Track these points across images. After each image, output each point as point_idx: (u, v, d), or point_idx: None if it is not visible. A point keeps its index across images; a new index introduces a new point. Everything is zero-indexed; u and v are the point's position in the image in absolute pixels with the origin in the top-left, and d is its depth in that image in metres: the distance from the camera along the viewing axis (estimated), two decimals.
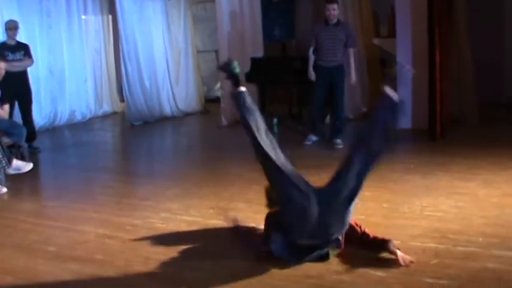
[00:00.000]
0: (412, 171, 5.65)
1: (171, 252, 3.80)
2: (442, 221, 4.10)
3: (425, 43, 7.11)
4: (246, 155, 7.16)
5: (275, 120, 8.14)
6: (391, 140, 3.59)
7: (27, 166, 6.24)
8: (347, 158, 3.50)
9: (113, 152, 8.86)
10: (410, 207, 4.48)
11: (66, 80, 10.90)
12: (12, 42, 7.84)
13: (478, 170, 5.51)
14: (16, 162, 6.09)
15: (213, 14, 10.25)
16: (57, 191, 6.04)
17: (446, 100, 7.31)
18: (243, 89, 3.76)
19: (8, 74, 7.45)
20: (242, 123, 3.66)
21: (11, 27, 7.81)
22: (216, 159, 7.15)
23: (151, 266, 3.59)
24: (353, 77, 7.37)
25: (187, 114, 11.45)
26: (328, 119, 7.90)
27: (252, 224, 4.13)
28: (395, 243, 3.46)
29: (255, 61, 9.70)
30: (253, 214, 4.47)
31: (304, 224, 3.35)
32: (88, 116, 11.51)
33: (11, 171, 5.99)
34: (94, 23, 11.91)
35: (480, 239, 3.68)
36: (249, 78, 9.64)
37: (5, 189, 5.70)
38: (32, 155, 7.37)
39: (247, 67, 9.67)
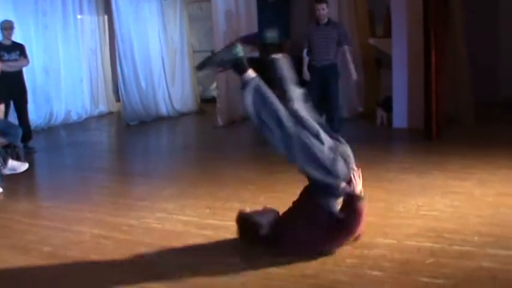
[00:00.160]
0: (407, 171, 5.66)
1: (167, 252, 3.80)
2: (438, 220, 4.11)
3: (421, 43, 7.12)
4: (242, 155, 7.22)
5: None
6: None
7: (23, 166, 6.23)
8: None
9: (109, 152, 8.85)
10: (406, 207, 4.48)
11: (62, 80, 10.90)
12: (7, 42, 7.82)
13: (474, 169, 5.52)
14: (12, 163, 6.07)
15: (209, 13, 10.25)
16: (53, 191, 6.03)
17: (442, 100, 7.33)
18: (252, 74, 3.69)
19: (4, 74, 7.45)
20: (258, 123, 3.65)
21: (7, 27, 7.79)
22: (211, 159, 7.15)
23: (147, 266, 3.59)
24: (353, 73, 7.37)
25: (183, 114, 11.45)
26: (324, 118, 7.88)
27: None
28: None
29: (250, 61, 9.67)
30: None
31: None
32: (84, 116, 11.50)
33: (6, 171, 5.97)
34: (90, 22, 11.92)
35: (475, 238, 3.69)
36: None
37: (0, 190, 5.69)
38: (27, 155, 7.38)
39: None
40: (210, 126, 9.68)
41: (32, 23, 10.16)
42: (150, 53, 10.99)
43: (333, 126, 7.43)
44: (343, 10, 9.30)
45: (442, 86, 7.26)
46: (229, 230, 4.13)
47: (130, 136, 9.69)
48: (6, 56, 7.68)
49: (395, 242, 3.71)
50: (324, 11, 7.15)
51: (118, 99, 11.35)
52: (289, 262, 3.47)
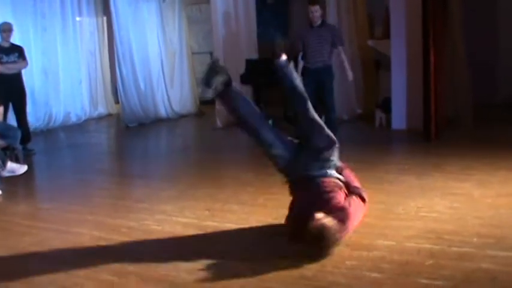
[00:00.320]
0: (407, 172, 5.66)
1: (167, 254, 3.79)
2: (437, 222, 4.11)
3: (420, 44, 7.12)
4: (241, 157, 7.22)
5: (270, 122, 8.13)
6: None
7: (22, 168, 6.24)
8: None
9: (108, 154, 8.84)
10: (405, 208, 4.48)
11: (61, 82, 10.90)
12: (6, 45, 7.81)
13: (473, 170, 5.52)
14: (10, 165, 6.08)
15: (208, 15, 10.27)
16: (52, 193, 6.02)
17: (441, 101, 7.34)
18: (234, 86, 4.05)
19: (2, 76, 7.48)
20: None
21: (5, 29, 7.79)
22: (210, 161, 7.15)
23: (146, 268, 3.58)
24: (349, 73, 7.34)
25: (182, 116, 11.46)
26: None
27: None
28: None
29: (249, 63, 9.71)
30: (247, 216, 4.49)
31: None
32: (83, 118, 11.51)
33: (5, 173, 5.98)
34: (89, 24, 11.93)
35: (475, 240, 3.68)
36: (244, 79, 9.65)
37: None
38: (26, 157, 7.37)
39: (242, 69, 9.69)
40: (209, 128, 9.69)
41: (30, 25, 10.17)
42: (149, 55, 11.00)
43: (331, 127, 7.42)
44: (342, 12, 9.30)
45: (441, 87, 7.26)
46: (228, 232, 4.13)
47: (130, 138, 9.69)
48: (5, 58, 7.68)
49: (394, 243, 3.71)
50: (317, 13, 7.16)
51: (117, 101, 11.35)
52: (288, 264, 3.47)
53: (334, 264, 3.42)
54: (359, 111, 9.72)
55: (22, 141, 7.32)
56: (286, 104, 8.71)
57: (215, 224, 4.38)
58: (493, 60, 9.71)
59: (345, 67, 7.30)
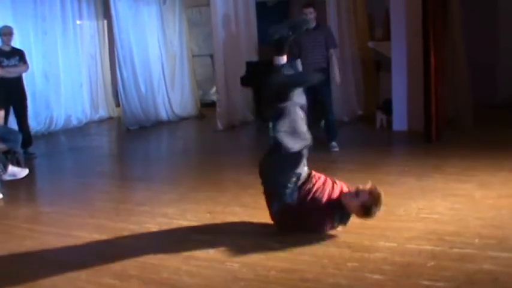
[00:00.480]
0: (407, 174, 5.66)
1: (168, 257, 3.79)
2: (438, 223, 4.11)
3: (420, 45, 7.13)
4: (242, 159, 7.21)
5: (271, 124, 8.12)
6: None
7: (23, 172, 6.23)
8: None
9: (109, 157, 8.84)
10: (407, 210, 4.48)
11: (62, 85, 10.90)
12: (7, 48, 7.82)
13: (474, 171, 5.52)
14: (12, 168, 6.07)
15: (208, 18, 10.28)
16: (53, 196, 6.02)
17: (442, 102, 7.34)
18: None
19: (3, 80, 7.48)
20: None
21: (6, 33, 7.80)
22: (211, 164, 7.15)
23: (147, 271, 3.58)
24: (337, 77, 7.33)
25: (182, 119, 11.46)
26: (323, 123, 7.87)
27: None
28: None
29: (250, 65, 9.71)
30: (249, 218, 4.49)
31: None
32: (84, 121, 11.51)
33: (6, 177, 5.97)
34: (89, 28, 11.93)
35: (476, 241, 3.69)
36: (244, 82, 9.66)
37: (0, 196, 5.69)
38: (27, 161, 7.36)
39: (243, 71, 9.70)
40: (209, 131, 9.68)
41: (31, 29, 10.17)
42: (149, 58, 11.00)
43: (330, 130, 7.43)
44: (342, 13, 9.31)
45: (441, 88, 7.27)
46: (229, 234, 4.13)
47: (130, 141, 9.69)
48: (5, 62, 7.68)
49: (395, 245, 3.71)
50: (311, 16, 7.17)
51: (118, 104, 11.36)
52: (289, 266, 3.47)
53: (335, 266, 3.43)
54: (360, 112, 9.72)
55: (23, 144, 7.32)
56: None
57: (216, 226, 4.38)
58: (493, 60, 9.71)
59: (334, 72, 7.29)
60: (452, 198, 4.70)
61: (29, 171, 6.36)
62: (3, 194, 5.72)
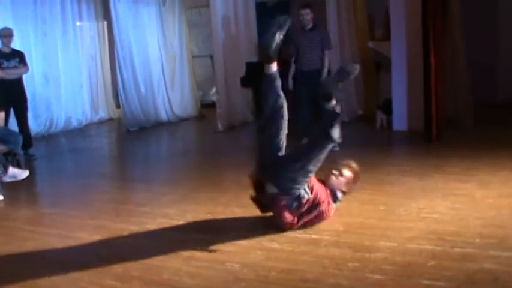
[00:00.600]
0: (408, 174, 5.66)
1: (169, 258, 3.80)
2: (439, 223, 4.11)
3: (420, 45, 7.13)
4: (242, 160, 7.20)
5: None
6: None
7: (24, 173, 6.23)
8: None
9: (109, 158, 8.85)
10: (407, 210, 4.48)
11: (62, 87, 10.91)
12: (7, 50, 7.82)
13: (474, 171, 5.52)
14: (12, 170, 6.08)
15: (208, 19, 10.27)
16: (54, 198, 6.03)
17: (442, 102, 7.33)
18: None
19: (3, 82, 7.48)
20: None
21: (6, 34, 7.80)
22: (211, 165, 7.15)
23: (148, 272, 3.59)
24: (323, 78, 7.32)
25: (182, 120, 11.46)
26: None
27: None
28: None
29: (250, 66, 9.71)
30: (249, 218, 4.49)
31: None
32: (84, 123, 11.51)
33: (7, 179, 5.97)
34: (89, 29, 11.94)
35: (477, 240, 3.68)
36: (244, 82, 9.67)
37: (1, 197, 5.69)
38: (28, 163, 7.38)
39: (242, 72, 9.70)
40: (210, 131, 9.68)
41: (31, 30, 10.18)
42: (149, 59, 11.01)
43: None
44: (342, 13, 9.31)
45: (441, 88, 7.26)
46: (229, 235, 4.13)
47: (131, 142, 9.69)
48: (5, 64, 7.69)
49: (396, 245, 3.71)
50: (308, 17, 7.22)
51: (118, 105, 11.36)
52: (289, 267, 3.47)
53: (336, 266, 3.43)
54: (360, 112, 9.73)
55: (23, 146, 7.33)
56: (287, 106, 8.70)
57: (217, 227, 4.38)
58: (493, 60, 9.71)
59: (323, 73, 7.30)
60: (452, 197, 4.70)
61: (30, 172, 6.36)
62: (3, 196, 5.72)
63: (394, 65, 8.17)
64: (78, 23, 11.52)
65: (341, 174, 4.37)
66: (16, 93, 7.80)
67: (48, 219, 5.14)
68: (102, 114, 12.16)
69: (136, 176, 7.09)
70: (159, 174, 6.92)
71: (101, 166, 7.79)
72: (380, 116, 8.63)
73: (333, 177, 4.35)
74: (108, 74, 12.28)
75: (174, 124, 11.18)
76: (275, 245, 3.87)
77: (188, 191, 5.63)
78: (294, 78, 7.45)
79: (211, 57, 10.92)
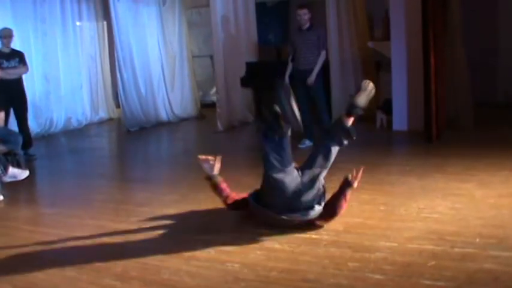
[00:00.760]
0: (408, 173, 5.66)
1: (169, 258, 3.80)
2: (439, 223, 4.11)
3: (420, 45, 7.12)
4: (242, 160, 7.21)
5: None
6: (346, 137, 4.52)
7: (24, 173, 6.23)
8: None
9: (109, 158, 8.85)
10: (407, 210, 4.48)
11: (62, 87, 10.90)
12: (6, 50, 7.82)
13: (474, 171, 5.52)
14: (12, 170, 6.08)
15: (208, 19, 10.26)
16: (54, 198, 6.02)
17: (442, 102, 7.33)
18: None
19: (3, 82, 7.48)
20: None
21: (6, 35, 7.80)
22: None
23: (148, 272, 3.59)
24: (312, 77, 7.28)
25: (182, 120, 11.46)
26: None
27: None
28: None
29: (250, 66, 9.71)
30: (249, 218, 4.48)
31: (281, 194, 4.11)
32: (84, 123, 11.50)
33: (7, 179, 5.98)
34: (89, 29, 11.93)
35: (477, 240, 3.68)
36: (244, 82, 9.66)
37: (1, 197, 5.69)
38: (28, 163, 7.36)
39: (242, 72, 9.70)
40: (210, 132, 9.68)
41: (31, 30, 10.17)
42: (149, 59, 11.00)
43: (324, 128, 7.41)
44: (341, 13, 9.29)
45: (441, 87, 7.26)
46: (230, 235, 4.13)
47: (131, 142, 9.69)
48: (5, 64, 7.68)
49: (396, 245, 3.71)
50: (305, 17, 7.25)
51: (118, 106, 11.35)
52: (290, 267, 3.47)
53: (336, 266, 3.43)
54: (360, 112, 9.69)
55: (23, 146, 7.32)
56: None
57: (217, 227, 4.38)
58: (493, 60, 9.71)
59: (313, 71, 7.30)
60: (452, 197, 4.70)
61: (29, 172, 6.37)
62: (3, 196, 5.72)
63: (394, 65, 8.17)
64: (78, 23, 11.51)
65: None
66: (16, 93, 7.80)
67: (48, 219, 5.14)
68: (102, 114, 12.15)
69: (137, 176, 7.09)
70: (159, 174, 6.92)
71: (101, 166, 7.79)
72: (380, 116, 8.63)
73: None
74: (108, 74, 12.28)
75: (174, 124, 11.17)
76: (275, 245, 3.87)
77: (188, 191, 5.63)
78: (290, 76, 7.46)
79: (211, 57, 10.92)
